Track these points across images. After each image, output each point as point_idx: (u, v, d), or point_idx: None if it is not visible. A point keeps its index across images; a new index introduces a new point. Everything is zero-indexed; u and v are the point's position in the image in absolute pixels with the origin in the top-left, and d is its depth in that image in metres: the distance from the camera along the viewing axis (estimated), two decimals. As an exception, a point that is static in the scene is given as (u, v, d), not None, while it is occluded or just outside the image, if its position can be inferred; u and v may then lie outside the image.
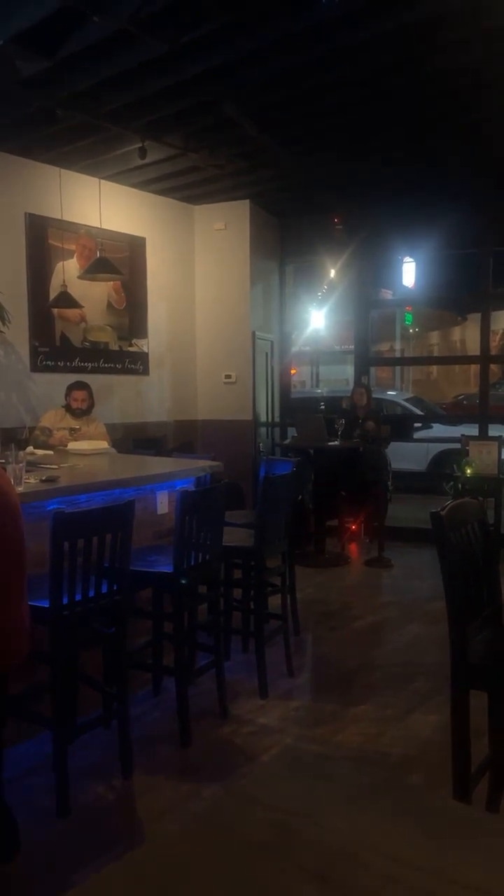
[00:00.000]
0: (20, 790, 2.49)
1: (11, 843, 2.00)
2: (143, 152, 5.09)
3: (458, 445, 6.67)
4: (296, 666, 3.77)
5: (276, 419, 7.67)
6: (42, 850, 2.30)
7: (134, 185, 6.30)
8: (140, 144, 5.06)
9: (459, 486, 6.32)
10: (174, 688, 2.99)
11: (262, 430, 7.41)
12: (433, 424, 10.76)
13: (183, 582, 2.96)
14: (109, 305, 6.23)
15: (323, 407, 9.94)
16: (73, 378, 5.30)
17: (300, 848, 0.69)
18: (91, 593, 2.57)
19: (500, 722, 2.20)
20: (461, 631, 1.91)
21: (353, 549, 6.54)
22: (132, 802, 2.62)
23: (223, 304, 7.03)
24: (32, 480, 3.06)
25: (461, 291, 13.15)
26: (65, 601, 2.49)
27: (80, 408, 4.99)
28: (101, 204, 5.88)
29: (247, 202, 6.89)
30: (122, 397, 6.35)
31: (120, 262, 6.01)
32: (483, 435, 6.76)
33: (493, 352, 9.82)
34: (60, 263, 5.67)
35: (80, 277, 5.59)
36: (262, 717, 3.25)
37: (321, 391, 16.07)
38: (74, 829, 2.43)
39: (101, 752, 2.85)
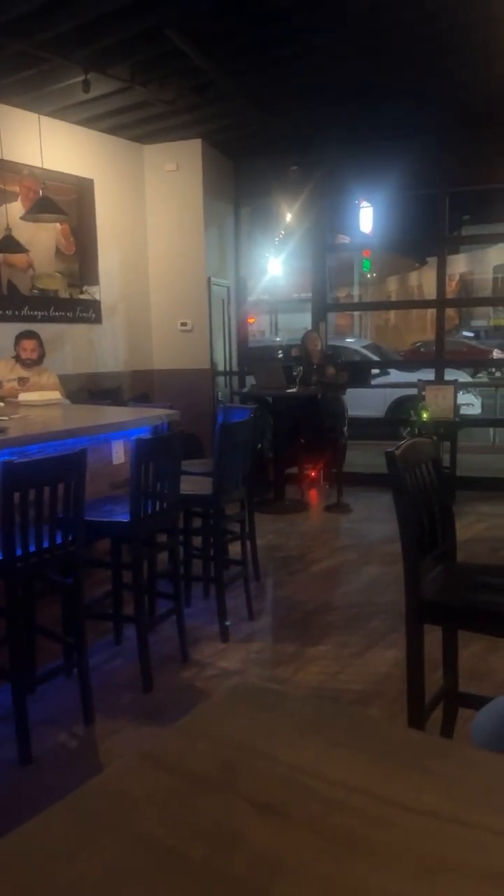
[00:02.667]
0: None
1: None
2: (86, 85, 4.82)
3: (415, 391, 6.72)
4: (256, 610, 3.82)
5: (234, 368, 7.59)
6: (4, 798, 2.31)
7: (79, 122, 6.00)
8: (83, 77, 4.79)
9: (416, 430, 6.39)
10: (135, 636, 3.00)
11: (220, 379, 7.32)
12: (391, 370, 10.81)
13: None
14: (58, 251, 6.00)
15: (281, 355, 9.88)
16: (21, 327, 5.12)
17: (245, 780, 0.67)
18: (45, 544, 2.53)
19: (454, 654, 2.26)
20: (415, 568, 1.93)
21: (312, 495, 6.60)
22: (94, 747, 2.64)
23: (177, 248, 6.84)
24: (-20, 431, 2.97)
25: (418, 236, 13.11)
26: (18, 553, 2.44)
27: (30, 358, 4.84)
28: (44, 142, 5.59)
29: (199, 142, 6.64)
30: (74, 347, 6.19)
31: (67, 205, 5.76)
32: (439, 379, 6.82)
33: (450, 296, 9.85)
34: (3, 206, 5.40)
35: (22, 218, 5.33)
36: (223, 660, 3.29)
37: (280, 339, 15.97)
38: (37, 776, 2.44)
39: (62, 702, 2.85)
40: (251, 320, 11.17)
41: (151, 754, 0.75)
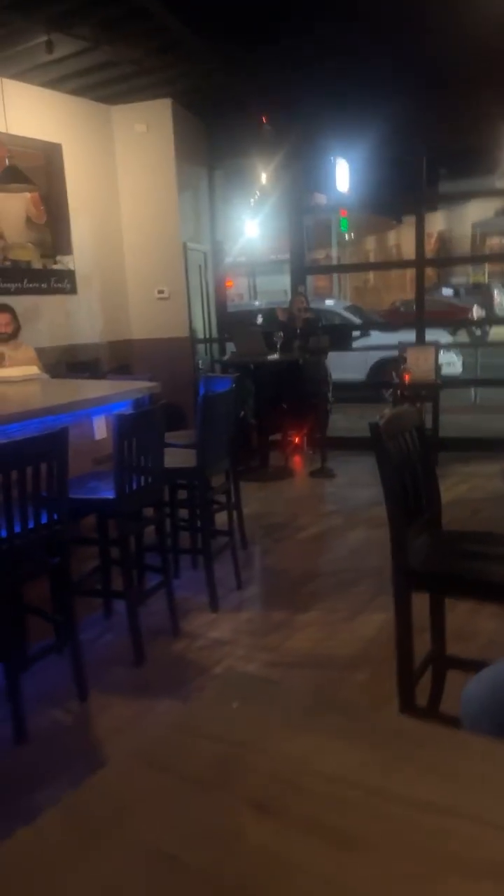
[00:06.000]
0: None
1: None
2: (49, 46, 4.65)
3: (396, 353, 6.69)
4: (244, 579, 3.84)
5: (214, 335, 7.51)
6: (2, 777, 2.33)
7: (44, 85, 5.79)
8: (45, 37, 4.61)
9: (398, 392, 6.39)
10: (125, 611, 3.01)
11: (201, 347, 7.25)
12: (371, 332, 10.77)
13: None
14: (29, 220, 5.85)
15: (261, 320, 9.79)
16: (-5, 301, 5.01)
17: (241, 779, 0.67)
18: (30, 525, 2.51)
19: (440, 620, 2.29)
20: (402, 537, 1.94)
21: (296, 461, 6.61)
22: (89, 722, 2.66)
23: (150, 213, 6.69)
24: (-42, 412, 2.91)
25: (396, 194, 12.90)
26: (3, 534, 2.42)
27: (5, 332, 4.75)
28: (8, 106, 5.39)
29: (168, 101, 6.45)
30: (50, 319, 6.07)
31: (35, 172, 5.59)
32: (420, 341, 6.79)
33: (429, 255, 9.76)
34: (-31, 175, 5.23)
35: (-11, 189, 5.18)
36: (214, 630, 3.32)
37: (259, 303, 15.82)
38: (33, 754, 2.46)
39: (55, 680, 2.87)
40: (229, 284, 11.03)
41: (146, 753, 0.75)
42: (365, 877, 0.55)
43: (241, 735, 0.74)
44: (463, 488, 5.44)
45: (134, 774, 0.72)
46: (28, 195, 5.75)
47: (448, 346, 10.19)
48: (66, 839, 0.65)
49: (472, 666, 2.10)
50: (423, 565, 1.95)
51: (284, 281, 8.91)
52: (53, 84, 5.81)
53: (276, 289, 17.89)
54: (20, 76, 5.51)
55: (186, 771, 0.70)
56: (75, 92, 6.09)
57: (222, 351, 7.50)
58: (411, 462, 2.09)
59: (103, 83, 5.91)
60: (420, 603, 2.13)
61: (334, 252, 22.76)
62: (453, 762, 0.69)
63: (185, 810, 0.65)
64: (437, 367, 6.34)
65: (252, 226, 12.93)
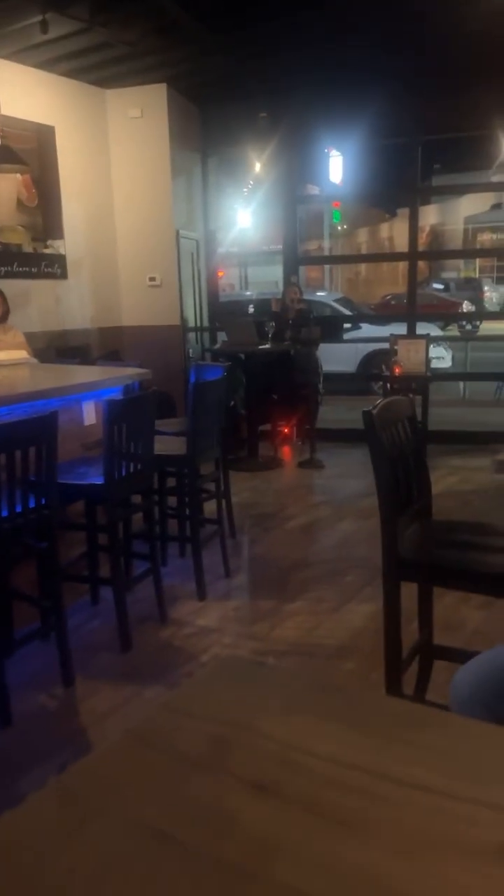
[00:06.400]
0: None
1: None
2: (44, 26, 4.57)
3: (386, 345, 6.70)
4: (232, 568, 3.84)
5: (205, 324, 7.48)
6: (-14, 760, 2.32)
7: (38, 66, 5.71)
8: (40, 17, 4.54)
9: (388, 385, 6.39)
10: (112, 597, 3.00)
11: (191, 335, 7.21)
12: (362, 325, 10.76)
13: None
14: (20, 203, 5.78)
15: (252, 310, 9.75)
16: (-16, 284, 4.95)
17: (236, 758, 0.66)
18: (18, 508, 2.49)
19: (428, 610, 2.30)
20: (392, 526, 1.94)
21: (285, 452, 6.61)
22: (74, 708, 2.65)
23: (143, 199, 6.63)
24: None
25: (390, 186, 12.90)
26: (-9, 518, 2.40)
27: (-5, 315, 4.69)
28: (2, 86, 5.31)
29: (163, 86, 6.38)
30: (40, 304, 6.01)
31: (28, 154, 5.52)
32: (411, 333, 6.80)
33: (421, 248, 9.76)
34: (-40, 155, 5.15)
35: (-18, 170, 5.11)
36: (201, 618, 3.32)
37: (250, 293, 15.77)
38: (18, 738, 2.45)
39: (41, 664, 2.85)
40: (221, 274, 10.97)
41: (138, 733, 0.74)
42: (363, 855, 0.55)
43: (234, 716, 0.73)
44: (452, 480, 5.46)
45: (127, 753, 0.71)
46: (20, 177, 5.68)
47: (439, 340, 10.22)
48: (58, 818, 0.64)
49: (459, 656, 2.11)
50: (414, 554, 1.96)
51: (276, 272, 8.87)
52: (47, 65, 5.73)
53: (268, 279, 17.84)
54: (13, 56, 5.43)
55: (180, 750, 0.69)
56: (69, 74, 6.02)
57: (213, 340, 7.47)
58: (403, 452, 2.09)
59: (98, 65, 5.83)
60: (408, 593, 2.13)
61: (326, 244, 22.74)
62: (448, 744, 0.68)
63: (181, 789, 0.64)
64: (428, 360, 6.34)
65: (244, 215, 12.87)
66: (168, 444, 3.54)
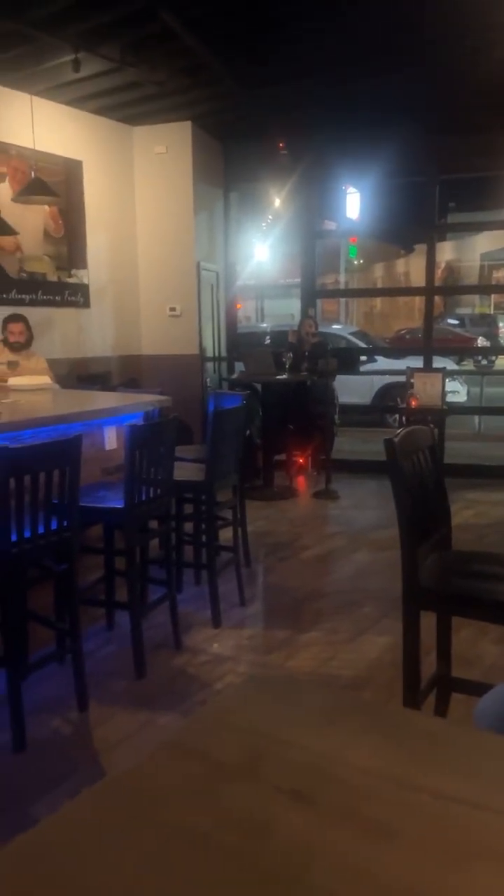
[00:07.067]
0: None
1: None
2: (76, 65, 4.75)
3: (401, 378, 6.74)
4: (247, 596, 3.83)
5: (223, 354, 7.56)
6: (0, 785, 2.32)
7: (69, 103, 5.90)
8: (73, 56, 4.72)
9: (404, 418, 6.42)
10: (128, 622, 3.00)
11: (209, 365, 7.30)
12: (377, 358, 10.84)
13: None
14: (46, 234, 5.93)
15: (269, 341, 9.86)
16: (9, 311, 5.06)
17: (272, 768, 0.68)
18: (40, 530, 2.52)
19: (447, 642, 2.28)
20: (412, 555, 1.95)
21: (300, 482, 6.62)
22: (89, 733, 2.64)
23: (166, 232, 6.78)
24: (-28, 417, 2.94)
25: (406, 223, 13.06)
26: (13, 539, 2.43)
27: (18, 341, 4.80)
28: (35, 122, 5.50)
29: (188, 124, 6.57)
30: (63, 331, 6.13)
31: (56, 187, 5.68)
32: (427, 367, 6.84)
33: (437, 284, 9.85)
34: (-9, 187, 5.33)
35: (14, 200, 5.27)
36: (216, 646, 3.31)
37: (266, 325, 15.93)
38: (31, 763, 2.44)
39: (56, 688, 2.85)
40: (238, 306, 11.12)
41: (174, 743, 0.75)
42: (400, 864, 0.56)
43: (268, 728, 0.75)
44: (468, 514, 5.44)
45: (164, 763, 0.72)
46: (47, 209, 5.84)
47: (455, 374, 10.25)
48: (99, 822, 0.65)
49: (477, 688, 2.09)
50: (434, 584, 1.96)
51: (292, 304, 9.00)
52: (77, 103, 5.93)
53: (283, 312, 18.03)
54: (45, 93, 5.62)
55: (217, 760, 0.70)
56: (98, 111, 6.21)
57: (230, 370, 7.55)
58: (424, 481, 2.11)
59: (126, 103, 6.02)
60: (425, 626, 2.13)
61: (342, 278, 22.97)
62: (479, 758, 0.69)
63: (218, 797, 0.66)
64: (444, 394, 6.37)
65: (262, 249, 13.06)
66: (186, 470, 3.57)
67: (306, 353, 6.49)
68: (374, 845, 0.58)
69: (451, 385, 9.13)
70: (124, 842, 0.61)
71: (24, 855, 0.60)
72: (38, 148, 5.61)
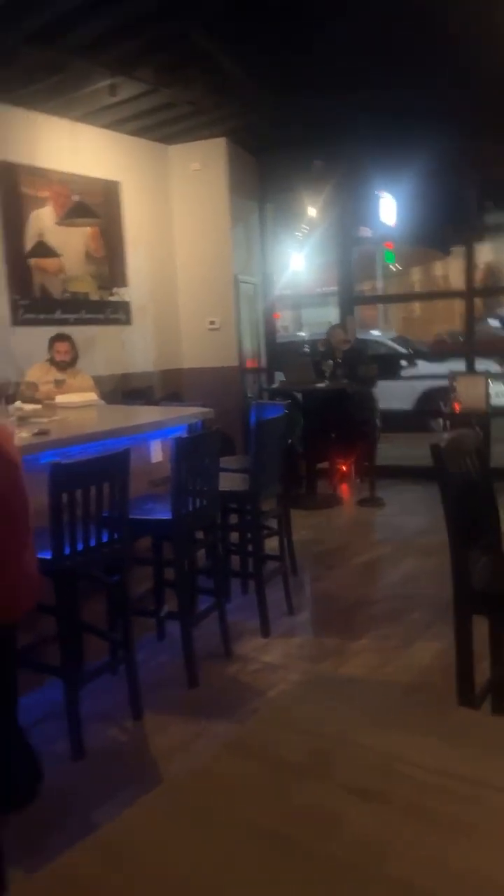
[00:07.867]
0: (32, 738, 2.53)
1: (35, 783, 2.03)
2: (113, 89, 4.88)
3: (443, 382, 6.67)
4: (295, 604, 3.84)
5: (263, 364, 7.61)
6: (60, 793, 2.36)
7: (106, 126, 6.05)
8: (110, 81, 4.85)
9: (448, 422, 6.35)
10: (177, 632, 3.04)
11: (249, 376, 7.35)
12: (418, 362, 10.74)
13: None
14: (88, 254, 6.07)
15: (307, 349, 9.88)
16: (55, 331, 5.20)
17: (338, 767, 0.69)
18: (92, 543, 2.58)
19: (500, 646, 2.25)
20: (463, 558, 1.94)
21: (344, 490, 6.59)
22: (144, 742, 2.68)
23: (203, 247, 6.87)
24: (24, 434, 3.02)
25: (443, 226, 12.92)
26: (66, 552, 2.49)
27: (64, 360, 4.92)
28: (75, 147, 5.66)
29: (223, 140, 6.66)
30: (106, 348, 6.25)
31: (95, 208, 5.82)
32: (470, 370, 6.76)
33: (477, 285, 9.72)
34: (34, 212, 5.49)
35: (59, 223, 5.42)
36: (266, 654, 3.32)
37: (304, 335, 15.94)
38: (90, 771, 2.49)
39: (110, 698, 2.90)
40: (276, 316, 11.17)
41: (238, 745, 0.78)
42: (473, 856, 0.57)
43: (329, 728, 0.77)
44: (516, 519, 5.33)
45: (230, 763, 0.75)
46: (87, 230, 5.98)
47: (498, 376, 10.08)
48: (171, 819, 0.68)
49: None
50: (486, 586, 1.94)
51: (329, 313, 9.00)
52: (115, 125, 6.07)
53: (321, 320, 17.98)
54: (84, 118, 5.78)
55: (282, 760, 0.72)
56: (135, 133, 6.35)
57: (270, 380, 7.58)
58: (472, 484, 2.10)
59: (162, 124, 6.15)
60: (477, 635, 2.11)
61: (379, 284, 22.84)
62: (546, 758, 0.70)
63: (286, 795, 0.68)
64: (488, 396, 6.28)
65: (299, 259, 13.11)
66: (231, 480, 3.60)
67: (340, 361, 6.48)
68: (445, 838, 0.60)
69: (494, 387, 8.99)
70: (201, 839, 0.64)
71: (107, 851, 0.63)
72: (78, 172, 5.77)
